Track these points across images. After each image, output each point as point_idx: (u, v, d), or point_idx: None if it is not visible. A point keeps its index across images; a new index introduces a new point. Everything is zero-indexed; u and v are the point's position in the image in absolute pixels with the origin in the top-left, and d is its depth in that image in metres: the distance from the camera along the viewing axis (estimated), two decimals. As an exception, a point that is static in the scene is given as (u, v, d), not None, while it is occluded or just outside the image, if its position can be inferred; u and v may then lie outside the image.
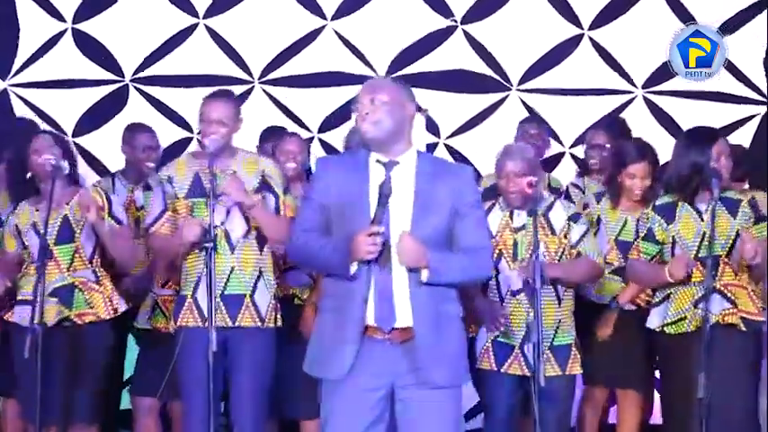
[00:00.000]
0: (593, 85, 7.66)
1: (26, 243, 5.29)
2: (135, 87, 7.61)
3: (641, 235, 5.27)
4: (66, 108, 7.54)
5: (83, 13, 7.59)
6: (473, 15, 7.68)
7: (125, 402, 6.29)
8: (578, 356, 5.17)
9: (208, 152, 4.97)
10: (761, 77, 7.59)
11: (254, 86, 7.63)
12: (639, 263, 5.30)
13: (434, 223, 4.10)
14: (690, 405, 4.83)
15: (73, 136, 7.45)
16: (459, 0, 7.68)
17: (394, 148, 4.13)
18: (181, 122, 7.57)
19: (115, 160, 6.90)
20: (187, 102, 7.11)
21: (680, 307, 5.11)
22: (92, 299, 5.26)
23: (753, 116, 7.64)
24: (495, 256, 5.10)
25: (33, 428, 4.95)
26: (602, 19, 7.67)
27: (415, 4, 7.65)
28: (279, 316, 5.14)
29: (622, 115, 7.33)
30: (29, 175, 5.31)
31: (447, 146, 7.68)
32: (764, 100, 7.60)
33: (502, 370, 5.11)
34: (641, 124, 7.13)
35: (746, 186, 6.03)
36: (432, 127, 7.55)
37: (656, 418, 5.84)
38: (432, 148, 7.52)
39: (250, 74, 7.66)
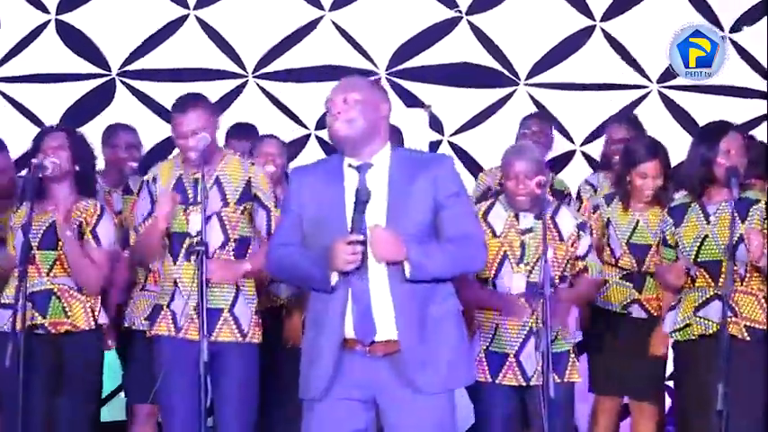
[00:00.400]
0: (606, 79, 7.67)
1: (14, 245, 5.27)
2: (122, 82, 7.59)
3: (659, 239, 5.31)
4: (49, 104, 7.48)
5: (67, 4, 7.55)
6: (479, 5, 7.68)
7: (104, 415, 6.24)
8: (576, 363, 5.15)
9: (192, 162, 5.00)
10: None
11: (247, 81, 7.62)
12: (660, 268, 5.32)
13: (416, 220, 4.04)
14: (704, 417, 4.81)
15: (56, 133, 7.42)
16: (465, -11, 7.76)
17: (366, 150, 4.10)
18: (170, 119, 7.28)
19: (100, 159, 6.64)
20: (177, 97, 7.05)
21: (686, 313, 5.09)
22: (71, 308, 5.21)
23: (774, 111, 7.69)
24: (500, 256, 5.06)
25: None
26: (616, 9, 7.68)
27: (418, -7, 7.73)
28: (260, 331, 5.09)
29: (636, 111, 7.33)
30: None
31: (451, 143, 7.66)
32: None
33: (497, 381, 5.05)
34: (656, 121, 7.18)
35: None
36: (435, 124, 7.59)
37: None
38: (435, 145, 7.56)
39: (243, 67, 7.64)
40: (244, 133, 6.40)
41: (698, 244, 5.03)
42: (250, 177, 5.09)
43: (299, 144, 7.45)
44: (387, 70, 7.55)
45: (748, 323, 4.96)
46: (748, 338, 4.94)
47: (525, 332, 5.00)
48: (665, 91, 7.59)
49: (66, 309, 5.18)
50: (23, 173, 5.83)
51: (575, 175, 7.06)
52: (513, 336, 5.04)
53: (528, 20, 7.63)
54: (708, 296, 4.98)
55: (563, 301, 5.02)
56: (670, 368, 5.64)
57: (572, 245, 5.12)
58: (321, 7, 7.61)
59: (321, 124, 7.49)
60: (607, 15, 7.64)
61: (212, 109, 5.12)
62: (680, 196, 5.29)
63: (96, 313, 5.24)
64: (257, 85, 7.60)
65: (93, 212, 5.24)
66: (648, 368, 5.61)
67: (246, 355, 5.01)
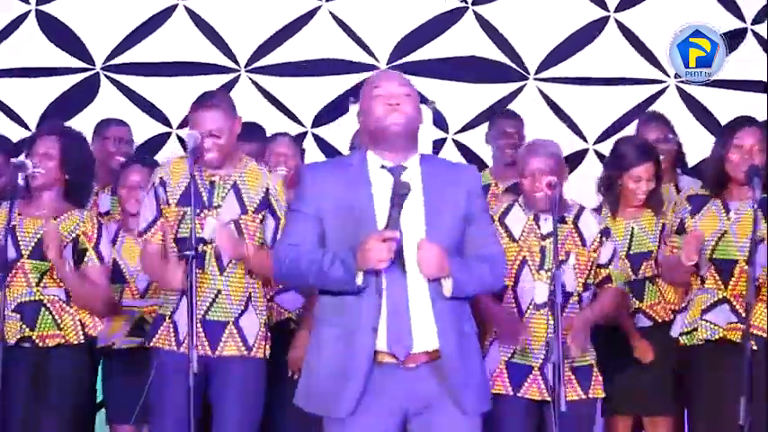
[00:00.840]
0: (620, 73, 7.57)
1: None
2: (106, 76, 7.58)
3: (673, 229, 5.25)
4: (30, 99, 7.51)
5: (48, -7, 7.71)
6: (485, -5, 7.76)
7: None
8: (600, 378, 5.10)
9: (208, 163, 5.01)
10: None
11: (239, 75, 7.59)
12: (666, 262, 5.30)
13: (451, 231, 4.08)
14: (716, 428, 4.87)
15: (36, 130, 7.30)
16: (470, -22, 7.76)
17: (404, 151, 4.10)
18: (158, 116, 7.58)
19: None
20: (165, 93, 7.34)
21: (694, 315, 5.10)
22: (61, 321, 5.16)
23: (800, 107, 7.41)
24: (519, 262, 5.04)
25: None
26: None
27: (421, -17, 7.75)
28: (268, 347, 5.05)
29: (653, 107, 7.24)
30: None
31: (456, 141, 7.60)
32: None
33: (519, 394, 4.99)
34: (675, 118, 6.83)
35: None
36: (439, 121, 7.53)
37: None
38: (439, 144, 7.53)
39: (236, 61, 7.61)
40: (251, 134, 6.16)
41: (715, 239, 5.03)
42: (269, 186, 5.07)
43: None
44: (388, 64, 7.47)
45: (757, 331, 4.95)
46: (755, 347, 4.88)
47: (546, 342, 4.92)
48: (684, 86, 7.49)
49: (58, 321, 5.14)
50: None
51: (587, 176, 6.65)
52: (537, 347, 4.99)
53: (538, 10, 7.57)
54: (716, 299, 4.98)
55: (585, 319, 4.96)
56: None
57: (594, 251, 5.07)
58: (318, -4, 7.71)
59: (318, 121, 7.57)
60: (622, 6, 7.56)
61: (233, 110, 5.07)
62: (698, 188, 5.29)
63: (87, 326, 5.22)
64: (250, 79, 7.58)
65: (92, 227, 5.20)
66: (660, 380, 5.49)
67: (250, 369, 4.97)
